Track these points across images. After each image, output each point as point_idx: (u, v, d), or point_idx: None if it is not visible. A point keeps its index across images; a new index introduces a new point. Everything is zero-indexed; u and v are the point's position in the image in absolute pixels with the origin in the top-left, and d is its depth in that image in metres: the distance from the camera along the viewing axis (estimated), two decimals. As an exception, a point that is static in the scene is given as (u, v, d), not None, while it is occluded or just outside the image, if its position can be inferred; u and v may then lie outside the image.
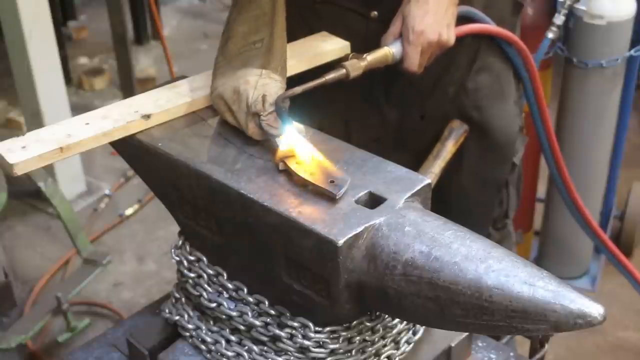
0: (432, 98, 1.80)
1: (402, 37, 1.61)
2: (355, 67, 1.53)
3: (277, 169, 1.28)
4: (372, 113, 1.82)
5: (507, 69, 1.85)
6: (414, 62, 1.61)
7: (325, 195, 1.21)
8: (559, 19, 2.60)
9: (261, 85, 1.36)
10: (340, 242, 1.13)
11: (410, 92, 1.78)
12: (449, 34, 1.63)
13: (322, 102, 1.79)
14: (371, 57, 1.57)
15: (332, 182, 1.21)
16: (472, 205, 1.89)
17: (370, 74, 1.69)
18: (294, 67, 1.56)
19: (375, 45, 1.63)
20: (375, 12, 1.70)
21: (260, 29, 1.45)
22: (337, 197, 1.19)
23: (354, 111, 1.83)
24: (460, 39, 1.71)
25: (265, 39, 1.44)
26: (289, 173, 1.26)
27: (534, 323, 1.04)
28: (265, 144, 1.34)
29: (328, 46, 1.66)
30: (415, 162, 1.72)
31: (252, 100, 1.34)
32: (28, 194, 3.17)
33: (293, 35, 1.60)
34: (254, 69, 1.39)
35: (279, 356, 1.32)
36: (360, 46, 1.62)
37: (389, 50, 1.61)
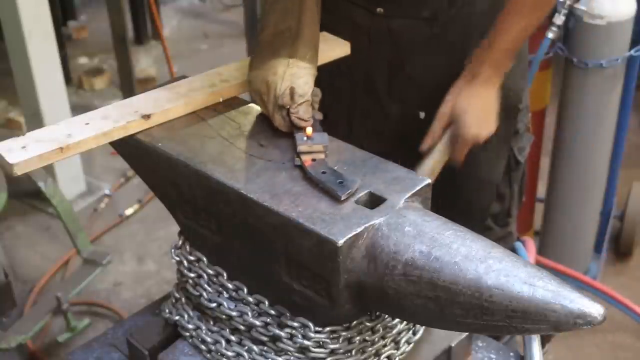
0: (433, 96, 1.80)
1: (448, 136, 1.67)
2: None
3: (284, 163, 1.28)
4: (374, 107, 1.83)
5: (515, 74, 1.84)
6: (459, 160, 1.69)
7: (325, 196, 1.21)
8: (559, 19, 2.60)
9: (289, 76, 1.36)
10: (340, 242, 1.13)
11: (411, 89, 1.79)
12: (493, 128, 1.70)
13: (327, 94, 1.80)
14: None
15: (340, 182, 1.21)
16: (465, 206, 1.89)
17: (372, 69, 1.70)
18: None
19: (379, 40, 1.62)
20: (381, 9, 1.71)
21: (288, 17, 1.44)
22: (342, 199, 1.19)
23: (356, 104, 1.84)
24: (465, 41, 1.71)
25: (293, 27, 1.43)
26: (295, 169, 1.26)
27: (534, 323, 1.04)
28: (265, 144, 1.35)
29: (328, 46, 1.66)
30: (415, 158, 1.73)
31: (280, 93, 1.34)
32: (28, 194, 3.16)
33: None
34: (282, 59, 1.39)
35: (279, 356, 1.32)
36: (364, 40, 1.61)
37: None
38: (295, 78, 1.35)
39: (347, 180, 1.22)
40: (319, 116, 1.39)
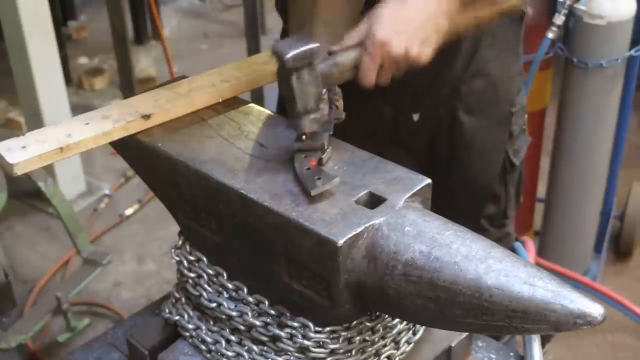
0: (425, 98, 1.80)
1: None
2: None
3: (284, 163, 1.29)
4: (367, 109, 1.82)
5: (509, 77, 1.84)
6: (367, 77, 1.37)
7: (325, 196, 1.21)
8: (559, 19, 2.60)
9: None
10: (340, 242, 1.13)
11: (405, 91, 1.78)
12: (423, 51, 1.36)
13: None
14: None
15: (318, 179, 1.21)
16: (457, 208, 1.89)
17: None
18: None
19: None
20: None
21: (304, 23, 1.46)
22: (312, 194, 1.19)
23: (350, 105, 1.84)
24: (456, 44, 1.70)
25: (306, 32, 1.44)
26: (289, 170, 1.27)
27: (534, 323, 1.04)
28: (265, 144, 1.34)
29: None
30: (411, 158, 1.73)
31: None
32: (28, 194, 3.17)
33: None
34: None
35: (279, 356, 1.32)
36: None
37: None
38: None
39: (326, 178, 1.22)
40: (340, 116, 1.39)
